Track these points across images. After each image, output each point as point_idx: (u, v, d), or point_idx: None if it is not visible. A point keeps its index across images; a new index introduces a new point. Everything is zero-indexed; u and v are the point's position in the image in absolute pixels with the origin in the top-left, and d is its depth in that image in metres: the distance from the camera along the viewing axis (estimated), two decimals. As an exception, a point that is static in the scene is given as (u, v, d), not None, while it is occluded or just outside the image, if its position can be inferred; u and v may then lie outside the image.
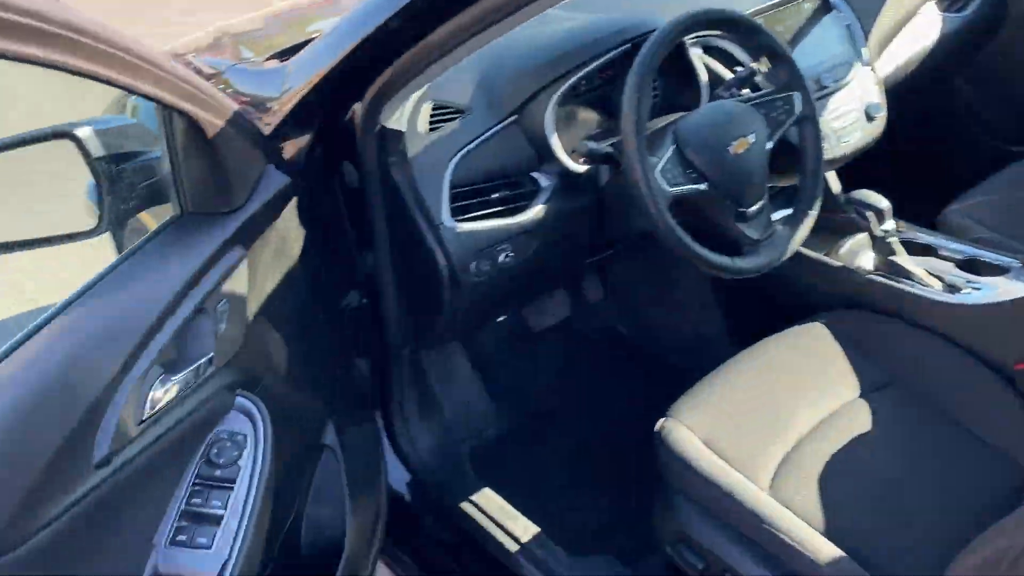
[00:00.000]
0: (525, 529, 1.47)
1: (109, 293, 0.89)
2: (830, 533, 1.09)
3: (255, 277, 1.06)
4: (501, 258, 1.35)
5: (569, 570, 1.41)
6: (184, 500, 0.96)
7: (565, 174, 1.39)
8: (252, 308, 1.07)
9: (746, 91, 1.43)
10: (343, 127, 1.21)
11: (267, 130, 1.08)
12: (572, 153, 1.39)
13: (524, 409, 1.91)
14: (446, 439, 1.67)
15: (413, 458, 1.60)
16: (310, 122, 1.14)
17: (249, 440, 1.02)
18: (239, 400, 1.04)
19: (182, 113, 0.89)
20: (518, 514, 1.50)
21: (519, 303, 1.89)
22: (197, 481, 0.98)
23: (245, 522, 0.96)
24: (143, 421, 0.87)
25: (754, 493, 1.15)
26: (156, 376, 0.89)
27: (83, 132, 0.95)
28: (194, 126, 0.92)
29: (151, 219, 1.02)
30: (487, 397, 1.86)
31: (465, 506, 1.52)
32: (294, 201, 1.13)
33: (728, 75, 1.48)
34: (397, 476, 1.60)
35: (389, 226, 1.30)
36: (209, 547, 0.93)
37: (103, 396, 0.82)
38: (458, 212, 1.31)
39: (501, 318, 1.96)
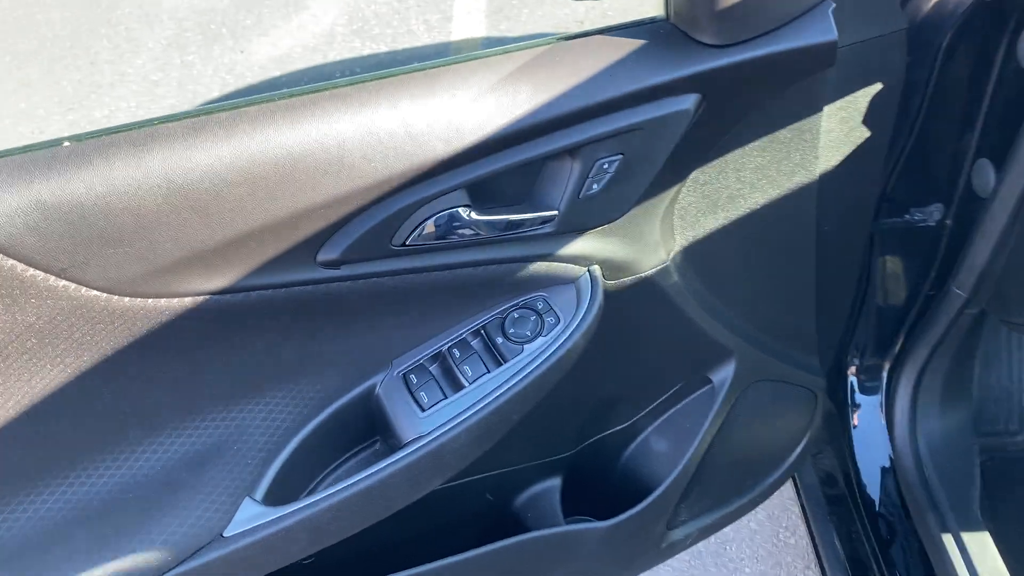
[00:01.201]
0: None
1: (464, 83, 0.70)
2: None
3: (705, 144, 0.82)
4: None
5: None
6: (448, 345, 0.82)
7: None
8: (683, 186, 0.83)
9: None
10: None
11: None
12: None
13: None
14: (959, 431, 1.21)
15: (900, 437, 1.18)
16: None
17: (553, 331, 0.81)
18: (582, 279, 0.83)
19: None
20: None
21: None
22: (476, 332, 0.83)
23: (471, 413, 0.78)
24: (405, 244, 0.73)
25: None
26: (453, 204, 0.73)
27: None
28: None
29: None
30: None
31: (946, 538, 1.10)
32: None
33: None
34: (869, 452, 1.21)
35: None
36: (422, 411, 0.79)
37: (360, 194, 0.68)
38: None
39: None
